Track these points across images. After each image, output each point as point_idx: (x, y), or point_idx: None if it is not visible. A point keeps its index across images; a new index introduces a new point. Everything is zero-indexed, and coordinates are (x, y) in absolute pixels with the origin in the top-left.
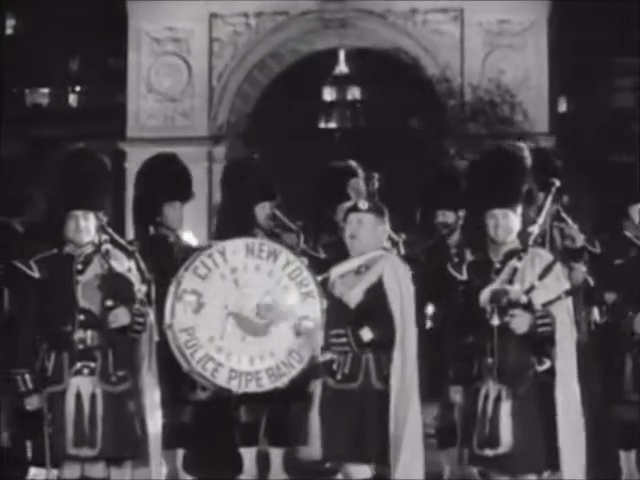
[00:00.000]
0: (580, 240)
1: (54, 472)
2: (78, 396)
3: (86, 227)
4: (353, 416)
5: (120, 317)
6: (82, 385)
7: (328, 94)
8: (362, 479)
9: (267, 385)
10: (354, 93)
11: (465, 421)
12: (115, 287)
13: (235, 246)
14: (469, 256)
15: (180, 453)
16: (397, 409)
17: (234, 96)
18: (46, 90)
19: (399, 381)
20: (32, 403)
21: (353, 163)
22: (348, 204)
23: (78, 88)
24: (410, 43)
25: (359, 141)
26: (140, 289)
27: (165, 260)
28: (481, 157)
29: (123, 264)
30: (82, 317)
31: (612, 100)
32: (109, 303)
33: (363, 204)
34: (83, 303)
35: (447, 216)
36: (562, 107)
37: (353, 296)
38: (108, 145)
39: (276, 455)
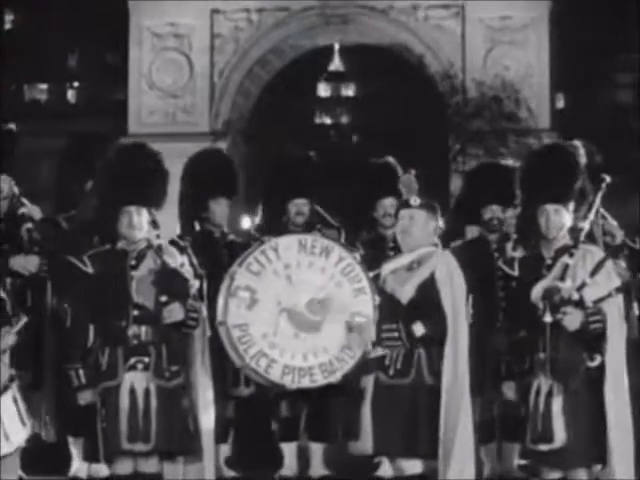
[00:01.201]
0: (619, 236)
1: (96, 467)
2: (132, 391)
3: (139, 223)
4: (405, 411)
5: (174, 312)
6: (136, 380)
7: (323, 90)
8: (414, 474)
9: (320, 381)
10: (349, 89)
11: (507, 415)
12: (169, 283)
13: (288, 242)
14: (510, 252)
15: (223, 448)
16: (449, 404)
17: (235, 92)
18: (44, 86)
19: (451, 377)
20: (85, 398)
21: (391, 159)
22: (388, 200)
23: (76, 84)
24: (412, 39)
25: (357, 137)
26: (193, 284)
27: (211, 256)
28: (536, 153)
29: (176, 259)
30: (136, 312)
31: (612, 96)
32: (163, 299)
33: (415, 200)
34: (137, 298)
35: (495, 211)
36: (561, 103)
37: (405, 292)
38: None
39: (316, 450)
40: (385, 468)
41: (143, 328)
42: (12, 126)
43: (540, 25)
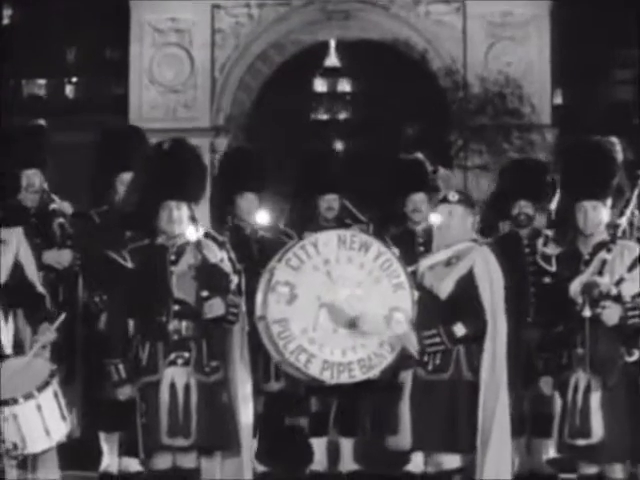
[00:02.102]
0: None
1: (126, 462)
2: (172, 386)
3: (179, 218)
4: (444, 406)
5: (215, 307)
6: (176, 375)
7: (319, 85)
8: (452, 468)
9: (359, 376)
10: (346, 85)
11: (537, 411)
12: (210, 278)
13: (327, 238)
14: (540, 247)
15: (254, 443)
16: (486, 400)
17: (236, 87)
18: (43, 81)
19: (489, 372)
20: (125, 393)
21: (420, 155)
22: (418, 195)
23: (75, 79)
24: (413, 35)
25: (355, 132)
26: (233, 279)
27: (242, 251)
28: (573, 149)
29: (216, 255)
30: (177, 307)
31: (611, 93)
32: (204, 294)
33: (453, 196)
34: (178, 294)
35: (525, 206)
36: (559, 99)
37: (444, 287)
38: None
39: (346, 445)
40: (415, 463)
41: (184, 323)
42: (42, 122)
43: (541, 21)
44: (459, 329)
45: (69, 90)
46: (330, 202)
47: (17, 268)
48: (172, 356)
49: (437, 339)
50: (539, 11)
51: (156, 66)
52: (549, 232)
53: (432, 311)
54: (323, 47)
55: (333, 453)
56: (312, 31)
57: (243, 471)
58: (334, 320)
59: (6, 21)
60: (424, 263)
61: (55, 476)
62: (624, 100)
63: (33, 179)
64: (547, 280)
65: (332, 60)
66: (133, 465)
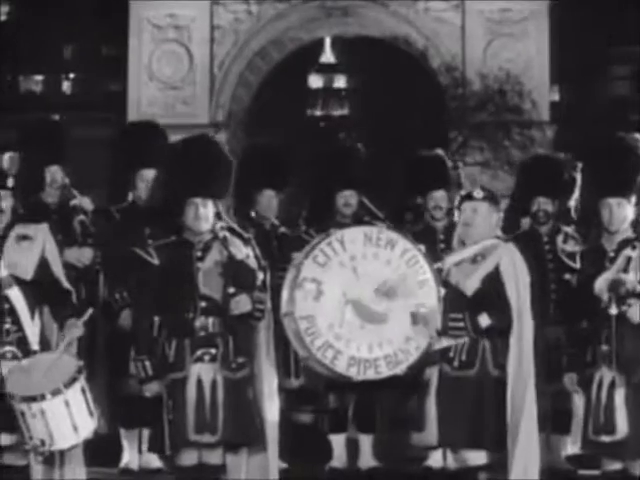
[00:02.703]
0: None
1: (147, 459)
2: (199, 383)
3: (205, 214)
4: (470, 403)
5: (242, 304)
6: (203, 372)
7: (314, 82)
8: (478, 465)
9: (385, 372)
10: (340, 81)
11: (556, 407)
12: (237, 274)
13: (353, 234)
14: (560, 244)
15: None
16: (514, 396)
17: (235, 84)
18: (40, 77)
19: (516, 369)
20: (151, 389)
21: (440, 152)
22: (439, 193)
23: (72, 75)
24: (412, 31)
25: (349, 129)
26: (259, 276)
27: (262, 248)
28: (597, 147)
29: (241, 251)
30: (204, 304)
31: (609, 89)
32: (231, 290)
33: (478, 193)
34: (204, 290)
35: (544, 203)
36: (556, 96)
37: (470, 284)
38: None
39: (365, 441)
40: (435, 458)
41: (210, 320)
42: (56, 117)
43: (539, 17)
44: (484, 319)
45: (66, 86)
46: (347, 198)
47: (43, 264)
48: (199, 352)
49: (461, 324)
50: (537, 7)
51: (155, 62)
52: (568, 229)
53: (458, 308)
54: (322, 44)
55: (352, 449)
56: (311, 28)
57: (269, 467)
58: (360, 316)
59: (4, 17)
60: (450, 260)
61: (82, 474)
62: (622, 96)
63: (56, 175)
64: (567, 277)
65: (327, 56)
66: (154, 461)
